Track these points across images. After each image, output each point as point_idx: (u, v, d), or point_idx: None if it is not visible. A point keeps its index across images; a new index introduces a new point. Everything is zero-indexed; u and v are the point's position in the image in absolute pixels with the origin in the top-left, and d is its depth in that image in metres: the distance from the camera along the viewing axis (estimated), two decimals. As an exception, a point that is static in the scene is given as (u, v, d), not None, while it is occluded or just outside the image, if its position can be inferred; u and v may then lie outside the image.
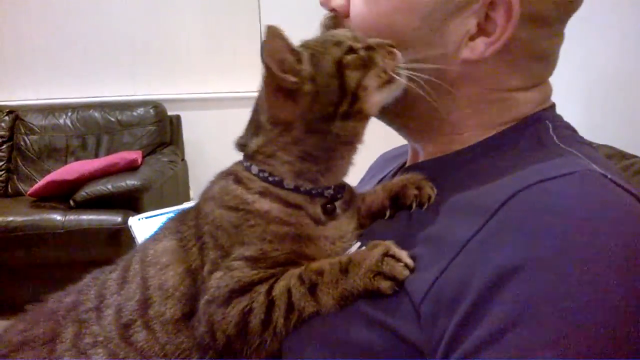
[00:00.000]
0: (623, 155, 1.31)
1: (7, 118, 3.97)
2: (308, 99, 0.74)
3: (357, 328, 0.65)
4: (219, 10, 4.19)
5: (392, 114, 0.83)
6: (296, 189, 0.77)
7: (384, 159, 1.13)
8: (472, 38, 0.73)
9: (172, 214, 0.89)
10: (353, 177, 0.86)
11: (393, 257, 0.66)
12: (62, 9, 4.14)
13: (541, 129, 0.75)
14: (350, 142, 0.79)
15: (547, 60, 0.79)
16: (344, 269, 0.68)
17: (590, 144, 0.78)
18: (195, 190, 4.07)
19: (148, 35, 4.21)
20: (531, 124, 0.77)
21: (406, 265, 0.65)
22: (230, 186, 0.79)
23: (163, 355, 0.75)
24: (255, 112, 0.82)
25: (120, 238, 3.02)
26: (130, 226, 1.46)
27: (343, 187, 0.82)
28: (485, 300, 0.56)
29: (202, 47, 4.25)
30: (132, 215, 1.52)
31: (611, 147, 1.36)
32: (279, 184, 0.77)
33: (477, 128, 0.79)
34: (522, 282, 0.55)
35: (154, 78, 4.24)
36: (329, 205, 0.79)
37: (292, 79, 0.73)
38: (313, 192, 0.78)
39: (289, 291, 0.69)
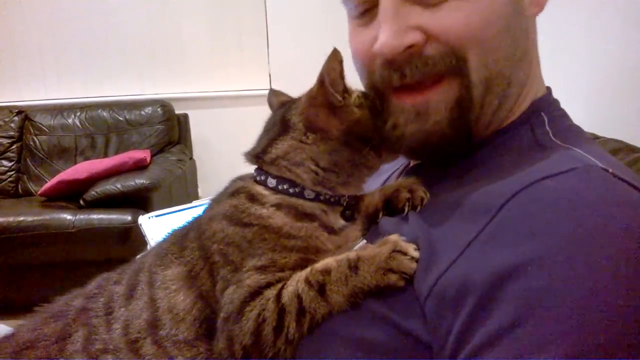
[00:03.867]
0: (631, 149, 1.30)
1: (16, 118, 3.99)
2: (354, 118, 0.81)
3: (366, 326, 0.65)
4: (225, 9, 4.20)
5: (491, 104, 0.78)
6: (316, 198, 0.79)
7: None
8: None
9: (181, 212, 0.90)
10: None
11: (400, 252, 0.68)
12: (70, 10, 4.15)
13: (537, 125, 0.76)
14: (375, 166, 0.85)
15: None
16: (354, 266, 0.69)
17: (587, 135, 0.79)
18: (204, 189, 4.08)
19: (156, 35, 4.22)
20: (527, 120, 0.77)
21: (413, 258, 0.67)
22: (245, 204, 0.79)
23: None
24: (283, 118, 0.85)
25: (130, 237, 3.04)
26: (141, 224, 1.47)
27: (356, 195, 0.83)
28: (491, 297, 0.56)
29: (209, 46, 4.26)
30: (142, 214, 1.53)
31: (619, 141, 1.35)
32: (299, 194, 0.79)
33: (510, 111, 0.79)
34: (527, 279, 0.55)
35: (161, 77, 4.26)
36: (347, 212, 0.81)
37: (339, 97, 0.80)
38: (332, 200, 0.80)
39: (298, 297, 0.69)
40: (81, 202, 3.20)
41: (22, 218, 3.11)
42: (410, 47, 0.72)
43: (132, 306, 0.80)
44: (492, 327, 0.55)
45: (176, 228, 0.90)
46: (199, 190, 4.11)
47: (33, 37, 4.18)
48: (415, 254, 0.67)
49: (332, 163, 0.80)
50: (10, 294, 3.11)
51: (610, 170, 0.63)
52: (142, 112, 3.99)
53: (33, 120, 3.98)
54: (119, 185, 3.19)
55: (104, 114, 4.00)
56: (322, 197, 0.80)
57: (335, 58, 0.77)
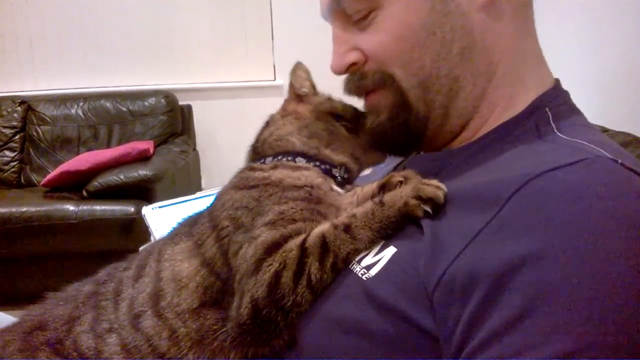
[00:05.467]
0: (641, 142, 1.30)
1: (19, 109, 3.98)
2: (319, 101, 0.98)
3: (372, 316, 0.65)
4: (230, 0, 4.17)
5: (438, 104, 0.83)
6: (309, 161, 0.88)
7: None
8: None
9: (184, 203, 0.93)
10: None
11: (425, 184, 0.71)
12: (74, 0, 4.14)
13: (540, 121, 0.76)
14: (350, 139, 0.93)
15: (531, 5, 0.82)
16: (380, 202, 0.72)
17: (595, 128, 0.79)
18: (207, 180, 4.08)
19: (160, 26, 4.20)
20: (530, 116, 0.77)
21: (439, 188, 0.70)
22: (248, 173, 0.88)
23: (173, 339, 0.76)
24: (266, 120, 1.00)
25: (133, 228, 3.04)
26: (144, 215, 1.46)
27: (350, 172, 0.92)
28: (500, 288, 0.56)
29: (213, 37, 4.24)
30: (145, 205, 1.52)
31: (629, 134, 1.35)
32: (293, 160, 0.88)
33: (499, 105, 0.80)
34: (536, 269, 0.55)
35: (165, 68, 4.25)
36: (340, 178, 0.89)
37: (304, 89, 0.98)
38: (322, 167, 0.88)
39: (322, 236, 0.71)
40: (84, 192, 3.20)
41: (24, 209, 3.12)
42: (352, 65, 0.83)
43: (138, 284, 0.82)
44: (501, 318, 0.55)
45: (187, 216, 0.93)
46: (203, 182, 4.11)
47: (36, 27, 4.17)
48: (442, 185, 0.70)
49: (311, 132, 0.92)
50: (13, 285, 3.13)
51: (620, 161, 0.62)
52: (146, 103, 3.98)
53: (36, 111, 3.98)
54: (122, 176, 3.19)
55: (107, 104, 3.99)
56: (314, 164, 0.88)
57: (297, 68, 1.00)
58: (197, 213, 0.91)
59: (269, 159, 0.90)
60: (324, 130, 0.92)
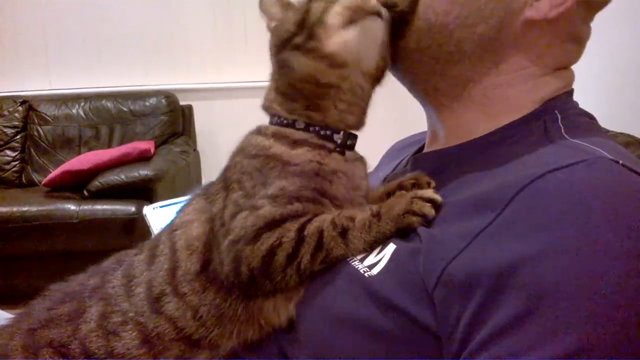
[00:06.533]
0: (642, 143, 1.31)
1: (20, 108, 3.98)
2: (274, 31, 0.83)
3: (375, 313, 0.65)
4: (230, 0, 4.18)
5: (425, 72, 0.82)
6: (306, 128, 0.80)
7: (399, 146, 1.13)
8: None
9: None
10: (369, 165, 0.88)
11: (421, 198, 0.71)
12: (75, 0, 4.14)
13: (549, 121, 0.75)
14: (317, 85, 0.78)
15: (580, 45, 0.81)
16: (377, 214, 0.72)
17: (603, 131, 0.79)
18: (208, 180, 4.02)
19: (160, 25, 4.20)
20: (539, 116, 0.77)
21: (434, 203, 0.70)
22: (252, 137, 0.82)
23: (199, 319, 0.74)
24: None
25: (134, 228, 3.04)
26: (145, 215, 1.46)
27: (355, 137, 0.83)
28: (500, 288, 0.56)
29: (214, 37, 4.24)
30: (146, 205, 1.52)
31: (629, 135, 1.35)
32: (291, 124, 0.81)
33: (505, 105, 0.79)
34: (536, 270, 0.55)
35: (166, 68, 4.25)
36: (338, 149, 0.80)
37: (269, 21, 0.85)
38: (321, 132, 0.79)
39: (320, 232, 0.72)
40: (85, 192, 3.20)
41: (25, 208, 3.12)
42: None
43: (154, 265, 0.79)
44: (501, 318, 0.55)
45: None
46: (203, 182, 4.09)
47: (37, 27, 4.17)
48: (437, 197, 0.71)
49: (279, 91, 0.82)
50: (14, 284, 3.13)
51: (621, 162, 0.62)
52: (147, 103, 3.98)
53: (37, 110, 3.98)
54: (122, 176, 3.19)
55: (108, 104, 3.99)
56: (311, 129, 0.80)
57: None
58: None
59: (272, 119, 0.84)
60: (286, 84, 0.81)
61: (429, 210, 0.70)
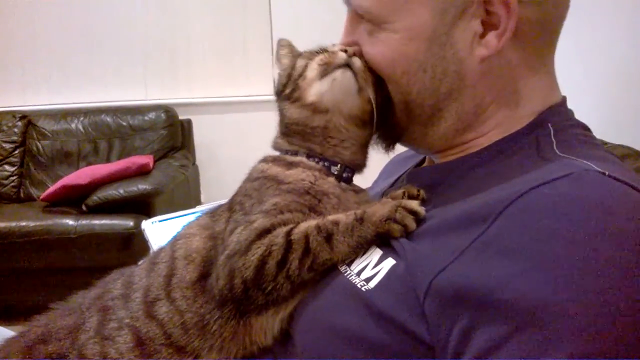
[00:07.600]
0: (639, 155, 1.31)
1: (19, 123, 3.98)
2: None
3: (367, 325, 0.66)
4: (230, 15, 4.21)
5: (420, 137, 0.87)
6: (307, 158, 0.88)
7: (398, 159, 1.14)
8: (482, 36, 0.76)
9: (184, 217, 0.95)
10: (367, 179, 0.92)
11: (405, 208, 0.73)
12: (74, 14, 4.17)
13: (541, 136, 0.77)
14: (307, 127, 0.88)
15: (554, 33, 0.81)
16: (359, 218, 0.74)
17: (598, 142, 0.80)
18: (207, 194, 4.08)
19: (159, 40, 4.23)
20: (532, 130, 0.78)
21: (416, 216, 0.72)
22: (257, 165, 0.91)
23: (182, 325, 0.77)
24: None
25: (132, 243, 3.03)
26: (144, 229, 1.45)
27: (352, 171, 0.90)
28: (489, 305, 0.57)
29: (213, 52, 4.26)
30: (144, 220, 1.51)
31: (627, 147, 1.35)
32: (293, 153, 0.89)
33: (497, 125, 0.81)
34: (524, 286, 0.56)
35: (165, 82, 4.26)
36: (340, 173, 0.87)
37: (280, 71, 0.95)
38: (319, 163, 0.87)
39: (306, 237, 0.74)
40: (83, 207, 3.20)
41: (24, 223, 3.12)
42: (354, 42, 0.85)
43: (154, 272, 0.84)
44: (492, 334, 0.56)
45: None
46: (202, 196, 4.10)
47: (36, 42, 4.19)
48: (420, 209, 0.73)
49: (281, 130, 0.93)
50: (12, 299, 3.11)
51: (607, 173, 0.63)
52: (146, 118, 3.99)
53: (36, 125, 3.99)
54: (121, 191, 3.19)
55: (107, 119, 4.00)
56: (311, 159, 0.87)
57: (278, 47, 0.99)
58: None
59: (278, 152, 0.92)
60: (283, 125, 0.93)
61: (410, 222, 0.72)
